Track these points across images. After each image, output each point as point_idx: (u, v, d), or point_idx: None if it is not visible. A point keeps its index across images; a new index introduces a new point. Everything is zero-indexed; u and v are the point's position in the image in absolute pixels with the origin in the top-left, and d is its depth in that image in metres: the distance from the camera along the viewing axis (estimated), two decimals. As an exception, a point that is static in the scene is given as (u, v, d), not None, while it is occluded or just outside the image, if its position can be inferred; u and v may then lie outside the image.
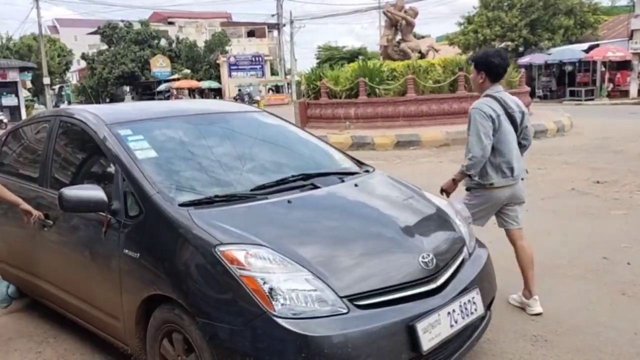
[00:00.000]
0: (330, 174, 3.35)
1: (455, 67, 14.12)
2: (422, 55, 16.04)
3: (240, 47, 51.04)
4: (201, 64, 47.83)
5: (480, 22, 30.96)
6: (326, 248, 2.56)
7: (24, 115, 30.37)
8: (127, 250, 2.76)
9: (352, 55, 45.10)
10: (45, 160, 3.58)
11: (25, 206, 3.36)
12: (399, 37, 16.44)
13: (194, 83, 44.52)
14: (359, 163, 3.74)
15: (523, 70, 17.52)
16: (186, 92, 43.69)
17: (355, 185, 3.21)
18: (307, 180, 3.15)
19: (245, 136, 3.68)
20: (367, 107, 13.99)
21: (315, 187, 3.07)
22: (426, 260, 2.59)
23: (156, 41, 49.80)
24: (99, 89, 49.74)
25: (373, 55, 35.83)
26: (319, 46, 55.15)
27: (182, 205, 2.69)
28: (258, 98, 37.23)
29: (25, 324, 3.90)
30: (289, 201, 2.83)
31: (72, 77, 65.92)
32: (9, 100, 30.12)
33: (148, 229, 2.73)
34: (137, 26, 49.46)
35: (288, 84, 44.57)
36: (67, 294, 3.37)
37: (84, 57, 51.50)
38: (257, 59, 46.85)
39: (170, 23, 57.37)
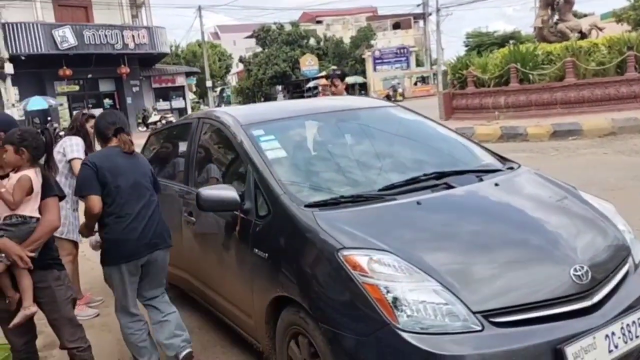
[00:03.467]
0: (468, 172, 3.08)
1: (623, 46, 12.52)
2: (583, 36, 14.50)
3: (386, 40, 50.83)
4: (347, 59, 48.57)
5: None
6: (459, 256, 2.33)
7: (189, 116, 33.37)
8: (256, 250, 2.79)
9: (504, 40, 42.42)
10: (189, 159, 3.78)
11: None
12: (556, 17, 15.05)
13: (340, 79, 45.24)
14: (502, 159, 3.41)
15: None
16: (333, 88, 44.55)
17: (496, 184, 2.90)
18: (440, 179, 2.92)
19: (376, 133, 3.55)
20: (519, 94, 13.02)
21: (450, 186, 2.83)
22: (579, 273, 2.24)
23: (305, 41, 51.60)
24: (254, 89, 52.90)
25: (527, 38, 33.35)
26: (467, 33, 52.75)
27: (308, 206, 2.64)
28: (400, 90, 36.84)
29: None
30: (418, 202, 2.64)
31: (232, 80, 70.95)
32: (178, 103, 33.33)
33: (275, 230, 2.72)
34: (288, 27, 51.70)
35: (434, 74, 43.44)
36: (208, 288, 3.53)
37: (241, 60, 55.16)
38: (402, 50, 46.29)
39: (319, 22, 59.05)
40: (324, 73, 47.07)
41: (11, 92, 24.10)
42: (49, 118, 25.94)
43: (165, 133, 4.65)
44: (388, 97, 38.42)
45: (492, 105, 13.46)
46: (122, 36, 28.08)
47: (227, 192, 2.90)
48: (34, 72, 25.92)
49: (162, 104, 32.65)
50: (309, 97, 42.79)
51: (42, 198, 2.78)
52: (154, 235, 3.06)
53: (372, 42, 49.18)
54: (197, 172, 3.69)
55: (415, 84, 44.31)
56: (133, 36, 28.62)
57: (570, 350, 2.04)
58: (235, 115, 3.45)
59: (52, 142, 2.98)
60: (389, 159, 3.30)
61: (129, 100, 30.14)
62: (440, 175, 2.96)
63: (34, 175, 2.75)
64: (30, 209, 2.75)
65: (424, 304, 2.11)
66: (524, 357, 2.02)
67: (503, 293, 2.18)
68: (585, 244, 2.48)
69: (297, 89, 51.31)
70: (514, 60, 13.18)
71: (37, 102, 24.56)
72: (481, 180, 2.97)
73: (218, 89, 62.64)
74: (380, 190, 2.81)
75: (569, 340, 2.06)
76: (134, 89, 30.89)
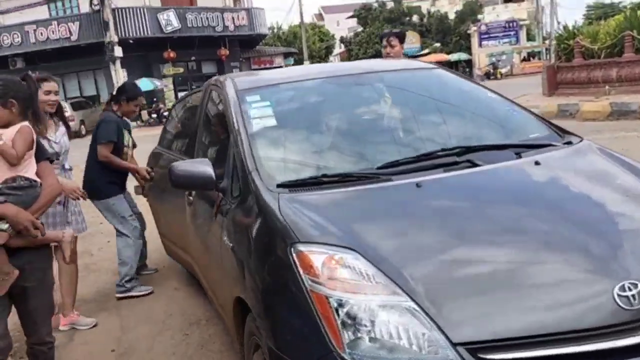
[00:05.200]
0: (506, 147, 2.37)
1: None
2: None
3: (494, 14, 47.71)
4: (451, 36, 46.33)
5: None
6: (451, 263, 1.69)
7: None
8: (225, 238, 2.32)
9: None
10: (195, 131, 3.37)
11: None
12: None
13: (442, 56, 43.36)
14: (563, 132, 2.64)
15: None
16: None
17: (537, 162, 2.18)
18: (464, 154, 2.26)
19: (400, 99, 2.91)
20: (634, 66, 11.33)
21: (474, 164, 2.17)
22: (629, 294, 1.52)
23: (408, 18, 49.96)
24: (354, 69, 52.34)
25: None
26: (588, 5, 48.10)
27: (280, 185, 2.11)
28: (503, 70, 34.37)
29: (187, 304, 3.83)
30: (417, 185, 2.00)
31: (335, 60, 70.86)
32: (276, 84, 33.64)
33: (240, 214, 2.23)
34: (390, 5, 50.29)
35: (547, 49, 40.07)
36: (201, 274, 3.14)
37: (342, 40, 54.62)
38: (510, 24, 43.05)
39: (424, -3, 56.89)
40: (427, 50, 45.45)
41: (120, 74, 25.53)
42: (154, 99, 27.19)
43: (183, 103, 4.26)
44: (487, 75, 36.16)
45: (601, 78, 11.85)
46: (223, 18, 28.69)
47: (201, 167, 2.42)
48: (141, 54, 27.25)
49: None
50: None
51: (37, 161, 2.41)
52: None
53: (479, 16, 46.43)
54: (200, 145, 3.26)
55: (525, 59, 41.22)
56: (233, 18, 29.14)
57: None
58: (238, 79, 2.98)
59: (36, 91, 2.64)
60: (408, 130, 2.66)
61: (228, 81, 30.81)
62: (467, 150, 2.30)
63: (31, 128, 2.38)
64: (32, 170, 2.37)
65: (387, 326, 1.52)
66: None
67: (503, 318, 1.52)
68: None
69: (398, 68, 49.97)
70: (630, 28, 11.45)
71: (144, 84, 25.72)
72: (519, 157, 2.27)
73: (319, 70, 62.49)
74: (380, 167, 2.21)
75: None
76: (234, 71, 31.53)
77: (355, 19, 54.47)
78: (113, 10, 25.37)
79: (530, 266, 1.65)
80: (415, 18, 50.37)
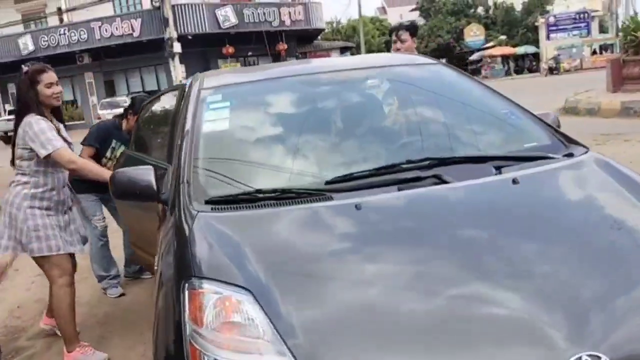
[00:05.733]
0: (488, 159, 1.98)
1: None
2: None
3: (564, 5, 45.26)
4: (517, 28, 44.36)
5: None
6: (356, 312, 1.35)
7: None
8: (157, 257, 2.06)
9: None
10: (171, 132, 3.13)
11: None
12: None
13: (508, 49, 41.68)
14: (567, 141, 2.20)
15: None
16: (499, 59, 41.23)
17: (514, 181, 1.78)
18: (432, 168, 1.89)
19: (383, 101, 2.55)
20: None
21: (441, 180, 1.81)
22: None
23: (472, 10, 48.33)
24: (415, 63, 51.25)
25: None
26: (670, -7, 44.77)
27: (209, 202, 1.83)
28: (567, 64, 32.49)
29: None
30: (356, 206, 1.66)
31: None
32: (332, 79, 33.38)
33: (162, 233, 1.97)
34: (454, -3, 48.83)
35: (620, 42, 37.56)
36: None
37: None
38: (581, 16, 40.62)
39: (490, -11, 54.90)
40: (491, 43, 43.77)
41: (179, 70, 26.04)
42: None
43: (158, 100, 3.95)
44: (551, 70, 34.32)
45: (673, 73, 10.78)
46: (279, 13, 28.70)
47: (143, 174, 2.17)
48: (200, 50, 27.69)
49: (317, 80, 33.02)
50: (473, 70, 40.05)
51: None
52: None
53: (548, 7, 44.19)
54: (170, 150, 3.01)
55: (595, 52, 38.81)
56: (290, 13, 29.10)
57: None
58: (210, 77, 2.73)
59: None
60: (380, 136, 2.30)
61: (284, 75, 30.85)
62: (438, 162, 1.93)
63: None
64: None
65: None
66: None
67: None
68: (625, 306, 1.30)
69: (461, 61, 48.50)
70: None
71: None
72: (499, 172, 1.87)
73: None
74: (328, 182, 1.88)
75: None
76: (291, 66, 31.59)
77: (417, 12, 53.28)
78: (173, 6, 25.90)
79: (455, 328, 1.28)
80: (480, 10, 48.65)
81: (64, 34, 27.92)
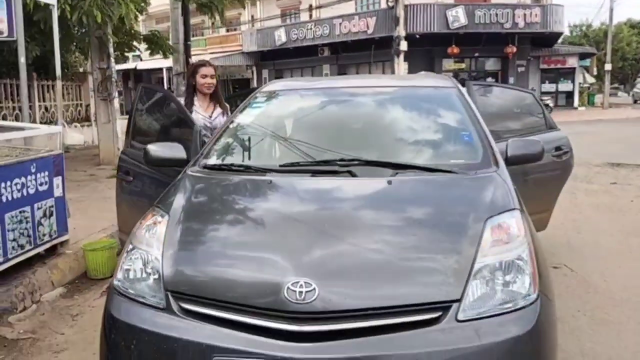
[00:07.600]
0: (398, 166, 2.58)
1: None
2: None
3: None
4: None
5: None
6: (206, 237, 2.26)
7: (576, 101, 30.88)
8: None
9: None
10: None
11: None
12: None
13: None
14: (496, 165, 2.60)
15: None
16: None
17: (389, 182, 2.40)
18: (356, 166, 2.59)
19: (382, 115, 3.19)
20: None
21: (353, 175, 2.52)
22: (298, 290, 1.84)
23: None
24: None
25: None
26: None
27: (205, 167, 2.82)
28: None
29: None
30: (270, 182, 2.49)
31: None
32: (565, 86, 31.15)
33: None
34: None
35: None
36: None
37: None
38: None
39: None
40: None
41: (401, 67, 27.29)
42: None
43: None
44: None
45: None
46: (514, 15, 27.79)
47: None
48: (425, 49, 28.55)
49: (548, 86, 31.15)
50: None
51: None
52: None
53: None
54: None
55: None
56: (524, 15, 27.95)
57: None
58: (273, 82, 3.72)
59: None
60: (346, 141, 2.98)
61: (511, 80, 29.87)
62: (366, 163, 2.62)
63: None
64: None
65: (134, 269, 2.16)
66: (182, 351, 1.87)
67: (206, 281, 2.00)
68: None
69: None
70: None
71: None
72: (394, 175, 2.49)
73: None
74: (282, 165, 2.72)
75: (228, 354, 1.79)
76: (519, 69, 30.37)
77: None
78: (405, 6, 27.16)
79: (255, 251, 2.06)
80: None
81: (311, 28, 31.46)
